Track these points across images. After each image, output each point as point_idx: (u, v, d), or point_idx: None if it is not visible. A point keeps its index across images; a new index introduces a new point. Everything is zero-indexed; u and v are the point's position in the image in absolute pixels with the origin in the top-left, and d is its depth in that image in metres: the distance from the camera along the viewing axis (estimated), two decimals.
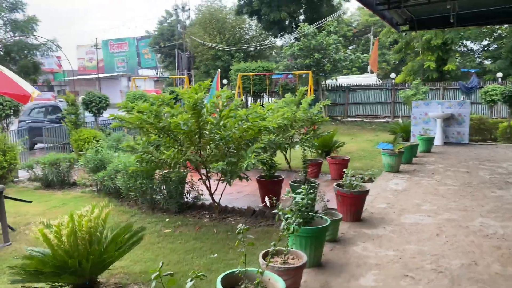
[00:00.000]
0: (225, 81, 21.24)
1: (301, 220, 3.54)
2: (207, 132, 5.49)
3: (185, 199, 6.35)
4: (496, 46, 23.67)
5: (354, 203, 5.08)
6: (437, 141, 11.37)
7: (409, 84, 18.73)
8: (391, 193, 6.53)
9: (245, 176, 5.44)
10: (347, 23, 40.43)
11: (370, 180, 7.83)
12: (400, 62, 33.35)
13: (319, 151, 10.80)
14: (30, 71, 18.79)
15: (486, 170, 8.05)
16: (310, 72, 14.62)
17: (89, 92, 10.45)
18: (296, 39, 18.32)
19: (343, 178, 5.20)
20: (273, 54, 28.52)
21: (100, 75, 57.64)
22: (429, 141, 10.36)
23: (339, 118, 20.07)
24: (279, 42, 24.90)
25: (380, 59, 37.73)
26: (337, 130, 11.13)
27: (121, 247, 3.53)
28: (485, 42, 22.90)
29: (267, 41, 23.72)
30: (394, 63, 37.98)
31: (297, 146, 6.43)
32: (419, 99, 14.31)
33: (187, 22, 34.49)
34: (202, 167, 5.67)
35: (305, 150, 5.84)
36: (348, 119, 20.14)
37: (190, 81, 23.50)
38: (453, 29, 18.09)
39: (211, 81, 6.68)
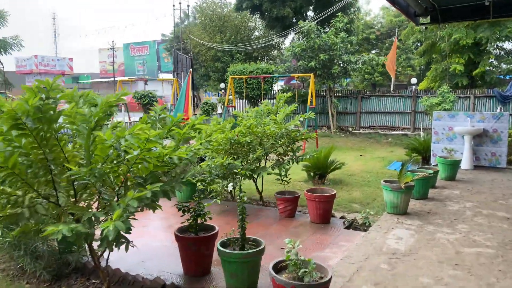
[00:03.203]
0: (222, 85, 19.16)
1: None
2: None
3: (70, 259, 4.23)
4: None
5: None
6: (465, 164, 8.86)
7: (433, 91, 16.11)
8: (387, 259, 4.18)
9: (124, 240, 3.24)
10: (369, 25, 37.76)
11: (364, 226, 5.52)
12: (426, 67, 30.46)
13: (311, 174, 8.53)
14: None
15: None
16: (312, 75, 12.30)
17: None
18: (306, 37, 15.96)
19: (286, 253, 2.91)
20: (280, 55, 26.05)
21: (117, 79, 56.77)
22: (454, 165, 7.89)
23: (350, 129, 17.59)
24: (287, 42, 22.61)
25: (405, 64, 34.90)
26: (334, 148, 8.79)
27: None
28: None
29: (274, 41, 21.45)
30: (420, 69, 35.01)
31: (230, 185, 4.15)
32: (445, 109, 11.75)
33: (187, 20, 32.39)
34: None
35: (234, 188, 3.61)
36: (361, 130, 17.62)
37: (192, 84, 21.51)
38: (488, 22, 15.33)
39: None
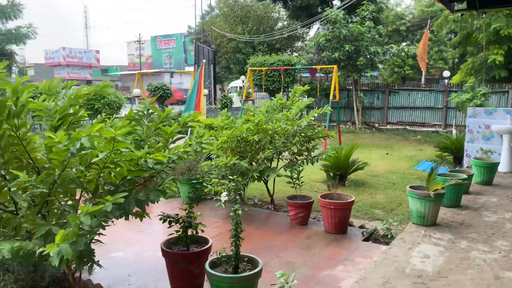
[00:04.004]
0: (242, 77, 18.60)
1: None
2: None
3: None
4: None
5: None
6: (503, 167, 7.95)
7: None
8: (410, 285, 3.52)
9: (87, 260, 2.72)
10: (400, 16, 36.23)
11: (385, 238, 4.86)
12: (460, 59, 28.83)
13: (330, 175, 7.86)
14: None
15: None
16: (335, 67, 11.54)
17: None
18: (332, 26, 15.10)
19: (277, 284, 2.31)
20: (304, 46, 25.04)
21: (143, 71, 57.11)
22: (491, 168, 7.04)
23: (376, 124, 16.66)
24: (312, 33, 21.70)
25: (437, 57, 33.29)
26: (356, 145, 8.08)
27: None
28: None
29: (298, 31, 20.56)
30: (453, 62, 33.29)
31: (224, 194, 3.51)
32: (477, 105, 10.78)
33: (211, 11, 31.74)
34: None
35: (236, 197, 3.03)
36: (388, 126, 16.66)
37: (214, 76, 21.03)
38: None
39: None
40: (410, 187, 5.14)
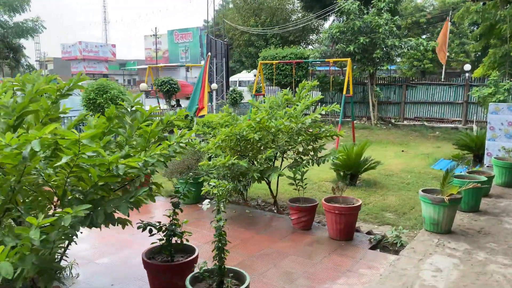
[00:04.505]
0: (254, 71, 18.20)
1: None
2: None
3: None
4: None
5: None
6: None
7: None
8: None
9: (47, 277, 2.44)
10: (420, 8, 35.13)
11: (395, 246, 4.47)
12: (482, 53, 27.71)
13: (341, 174, 7.46)
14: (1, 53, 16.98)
15: None
16: (349, 60, 11.06)
17: None
18: (346, 17, 14.57)
19: None
20: (319, 39, 24.34)
21: (154, 65, 57.10)
22: None
23: (392, 120, 16.05)
24: (327, 25, 21.07)
25: (458, 50, 32.19)
26: (369, 143, 7.67)
27: None
28: None
29: (312, 23, 19.97)
30: (475, 55, 32.11)
31: (206, 202, 3.16)
32: (500, 101, 10.17)
33: (225, 4, 31.33)
34: None
35: (220, 205, 2.70)
36: (405, 122, 16.03)
37: (227, 71, 20.68)
38: None
39: None
40: (423, 190, 4.74)
